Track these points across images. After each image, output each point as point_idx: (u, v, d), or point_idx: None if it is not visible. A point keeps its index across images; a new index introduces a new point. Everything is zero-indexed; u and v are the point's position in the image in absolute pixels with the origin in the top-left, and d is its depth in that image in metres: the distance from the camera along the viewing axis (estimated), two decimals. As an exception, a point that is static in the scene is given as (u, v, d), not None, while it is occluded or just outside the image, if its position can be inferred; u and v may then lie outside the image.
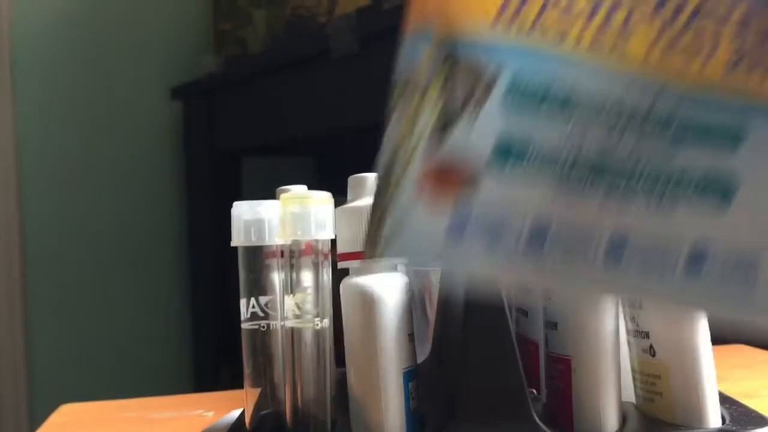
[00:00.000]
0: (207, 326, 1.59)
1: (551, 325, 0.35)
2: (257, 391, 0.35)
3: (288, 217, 0.33)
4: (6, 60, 1.53)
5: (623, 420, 0.34)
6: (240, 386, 0.49)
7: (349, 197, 0.36)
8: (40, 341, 1.56)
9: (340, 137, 1.43)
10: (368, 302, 0.33)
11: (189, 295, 1.67)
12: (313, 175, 1.70)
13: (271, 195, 0.37)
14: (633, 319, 0.35)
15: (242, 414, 0.38)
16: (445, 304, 0.41)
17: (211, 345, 1.58)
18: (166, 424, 0.52)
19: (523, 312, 0.40)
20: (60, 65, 1.60)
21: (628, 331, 0.36)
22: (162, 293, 1.68)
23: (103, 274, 1.63)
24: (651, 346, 0.34)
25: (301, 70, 1.32)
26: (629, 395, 0.36)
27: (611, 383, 0.33)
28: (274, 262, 0.35)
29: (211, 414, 0.53)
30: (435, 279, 0.55)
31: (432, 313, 0.51)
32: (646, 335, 0.34)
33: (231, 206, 0.36)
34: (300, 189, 0.41)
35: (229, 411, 0.49)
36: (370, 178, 0.35)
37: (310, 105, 1.33)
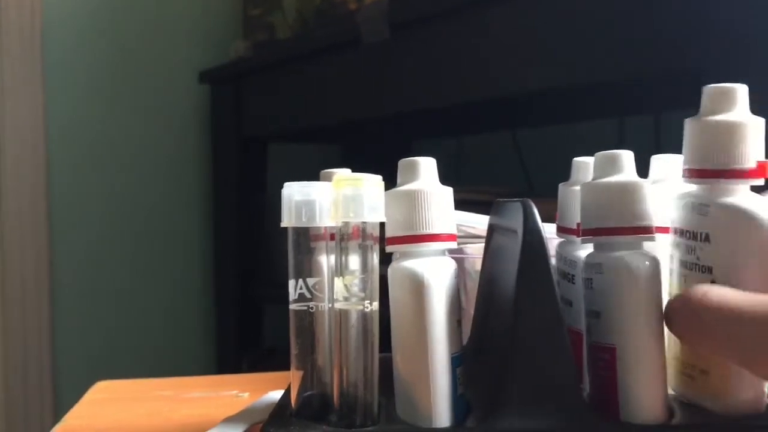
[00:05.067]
0: (230, 312, 1.60)
1: (594, 314, 0.35)
2: (302, 373, 0.35)
3: (340, 198, 0.33)
4: (37, 43, 1.54)
5: (671, 412, 0.34)
6: (262, 371, 0.49)
7: (398, 181, 0.36)
8: (63, 323, 1.58)
9: (367, 125, 1.43)
10: (419, 286, 0.32)
11: (212, 280, 1.68)
12: (339, 162, 1.70)
13: (298, 181, 0.36)
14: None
15: (285, 394, 0.38)
16: (488, 291, 0.41)
17: (234, 331, 1.58)
18: (201, 403, 0.52)
19: (568, 302, 0.40)
20: (89, 48, 1.61)
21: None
22: (186, 278, 1.69)
23: (127, 257, 1.64)
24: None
25: (329, 57, 1.32)
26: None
27: (658, 371, 0.33)
28: (322, 244, 0.35)
29: (246, 395, 0.53)
30: (469, 266, 0.55)
31: (467, 300, 0.51)
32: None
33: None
34: (344, 172, 0.41)
35: (262, 392, 0.49)
36: (421, 161, 0.35)
37: (337, 92, 1.33)
